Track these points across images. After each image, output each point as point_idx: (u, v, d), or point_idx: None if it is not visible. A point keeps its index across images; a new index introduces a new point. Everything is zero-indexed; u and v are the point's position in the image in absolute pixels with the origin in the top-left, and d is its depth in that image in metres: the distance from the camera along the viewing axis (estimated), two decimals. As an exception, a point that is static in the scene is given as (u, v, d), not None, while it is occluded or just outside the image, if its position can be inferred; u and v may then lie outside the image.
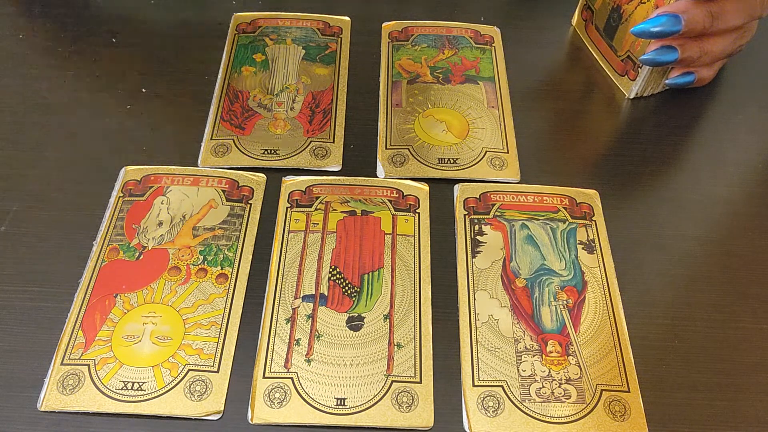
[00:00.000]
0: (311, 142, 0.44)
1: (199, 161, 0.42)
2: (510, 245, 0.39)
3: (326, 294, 0.37)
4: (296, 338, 0.35)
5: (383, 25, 0.52)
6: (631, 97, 0.48)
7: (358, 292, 0.37)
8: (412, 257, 0.38)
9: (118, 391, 0.33)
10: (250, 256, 0.38)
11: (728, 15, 0.42)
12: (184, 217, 0.40)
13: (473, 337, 0.35)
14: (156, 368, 0.34)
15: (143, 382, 0.33)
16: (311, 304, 0.36)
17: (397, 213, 0.40)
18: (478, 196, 0.41)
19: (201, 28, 0.51)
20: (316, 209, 0.40)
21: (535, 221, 0.40)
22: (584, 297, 0.37)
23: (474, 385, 0.34)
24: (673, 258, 0.40)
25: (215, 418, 0.33)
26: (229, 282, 0.37)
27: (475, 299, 0.37)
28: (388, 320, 0.36)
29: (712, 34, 0.43)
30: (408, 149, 0.43)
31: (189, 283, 0.37)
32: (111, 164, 0.42)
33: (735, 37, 0.45)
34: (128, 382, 0.33)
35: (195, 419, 0.33)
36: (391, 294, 0.37)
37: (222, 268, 0.37)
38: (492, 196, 0.41)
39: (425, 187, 0.42)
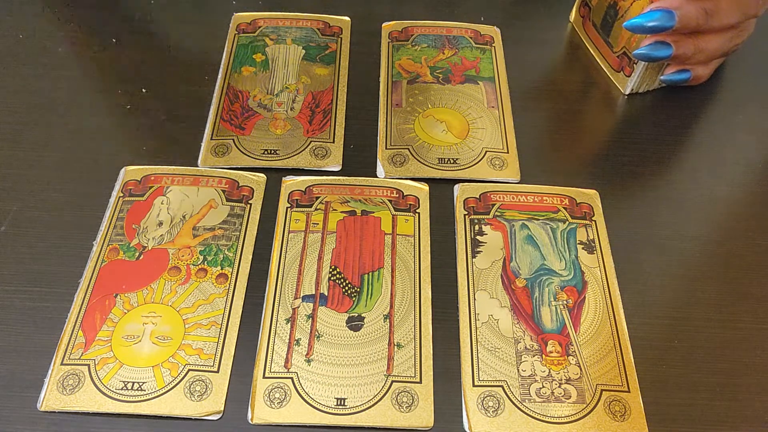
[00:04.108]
0: (311, 142, 0.44)
1: (199, 161, 0.42)
2: (510, 245, 0.39)
3: (326, 294, 0.37)
4: (296, 338, 0.35)
5: (383, 25, 0.52)
6: (627, 93, 0.48)
7: (358, 292, 0.37)
8: (412, 257, 0.38)
9: (118, 391, 0.33)
10: (250, 256, 0.38)
11: (722, 12, 0.42)
12: (184, 217, 0.40)
13: (473, 337, 0.35)
14: (156, 368, 0.34)
15: (143, 382, 0.33)
16: (311, 304, 0.36)
17: (397, 213, 0.40)
18: (478, 196, 0.41)
19: (201, 28, 0.51)
20: (316, 209, 0.40)
21: (535, 221, 0.40)
22: (584, 297, 0.37)
23: (474, 385, 0.34)
24: (673, 258, 0.40)
25: (215, 418, 0.33)
26: (229, 282, 0.37)
27: (475, 299, 0.37)
28: (388, 320, 0.36)
29: (706, 31, 0.43)
30: (408, 149, 0.43)
31: (189, 283, 0.37)
32: (111, 164, 0.42)
33: (731, 36, 0.45)
34: (128, 382, 0.33)
35: (195, 419, 0.33)
36: (391, 294, 0.37)
37: (222, 268, 0.37)
38: (492, 196, 0.41)
39: (425, 187, 0.42)
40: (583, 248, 0.39)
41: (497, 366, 0.34)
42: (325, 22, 0.51)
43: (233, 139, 0.43)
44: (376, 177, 0.42)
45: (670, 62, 0.45)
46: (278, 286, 0.37)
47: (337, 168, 0.43)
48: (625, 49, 0.47)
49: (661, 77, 0.46)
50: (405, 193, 0.41)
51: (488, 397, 0.33)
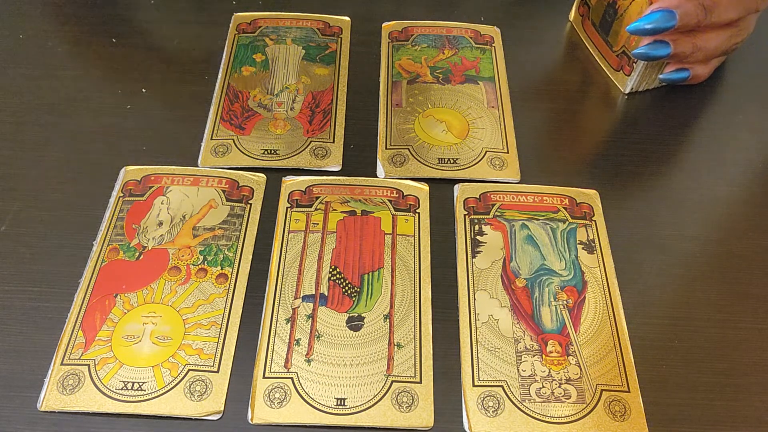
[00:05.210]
0: (311, 142, 0.44)
1: (199, 161, 0.42)
2: (510, 245, 0.39)
3: (326, 294, 0.37)
4: (296, 338, 0.35)
5: (383, 25, 0.52)
6: (627, 92, 0.48)
7: (358, 292, 0.37)
8: (412, 257, 0.38)
9: (118, 391, 0.33)
10: (250, 256, 0.38)
11: (722, 8, 0.42)
12: (184, 217, 0.40)
13: (473, 337, 0.35)
14: (156, 368, 0.34)
15: (143, 382, 0.33)
16: (311, 304, 0.36)
17: (397, 213, 0.40)
18: (478, 196, 0.41)
19: (201, 28, 0.51)
20: (316, 209, 0.40)
21: (535, 221, 0.40)
22: (584, 297, 0.37)
23: (474, 385, 0.34)
24: (673, 258, 0.40)
25: (215, 418, 0.33)
26: (229, 282, 0.37)
27: (475, 299, 0.37)
28: (388, 320, 0.36)
29: (706, 29, 0.43)
30: (408, 149, 0.43)
31: (189, 283, 0.37)
32: (111, 164, 0.42)
33: (730, 34, 0.44)
34: (128, 382, 0.33)
35: (195, 419, 0.33)
36: (391, 294, 0.37)
37: (222, 268, 0.37)
38: (492, 196, 0.41)
39: (425, 187, 0.42)
40: (583, 248, 0.39)
41: (497, 366, 0.34)
42: (325, 22, 0.51)
43: (233, 139, 0.43)
44: (376, 177, 0.42)
45: (669, 61, 0.45)
46: (278, 286, 0.37)
47: (337, 168, 0.43)
48: (624, 48, 0.47)
49: (660, 76, 0.46)
50: (405, 193, 0.41)
51: (488, 397, 0.33)
